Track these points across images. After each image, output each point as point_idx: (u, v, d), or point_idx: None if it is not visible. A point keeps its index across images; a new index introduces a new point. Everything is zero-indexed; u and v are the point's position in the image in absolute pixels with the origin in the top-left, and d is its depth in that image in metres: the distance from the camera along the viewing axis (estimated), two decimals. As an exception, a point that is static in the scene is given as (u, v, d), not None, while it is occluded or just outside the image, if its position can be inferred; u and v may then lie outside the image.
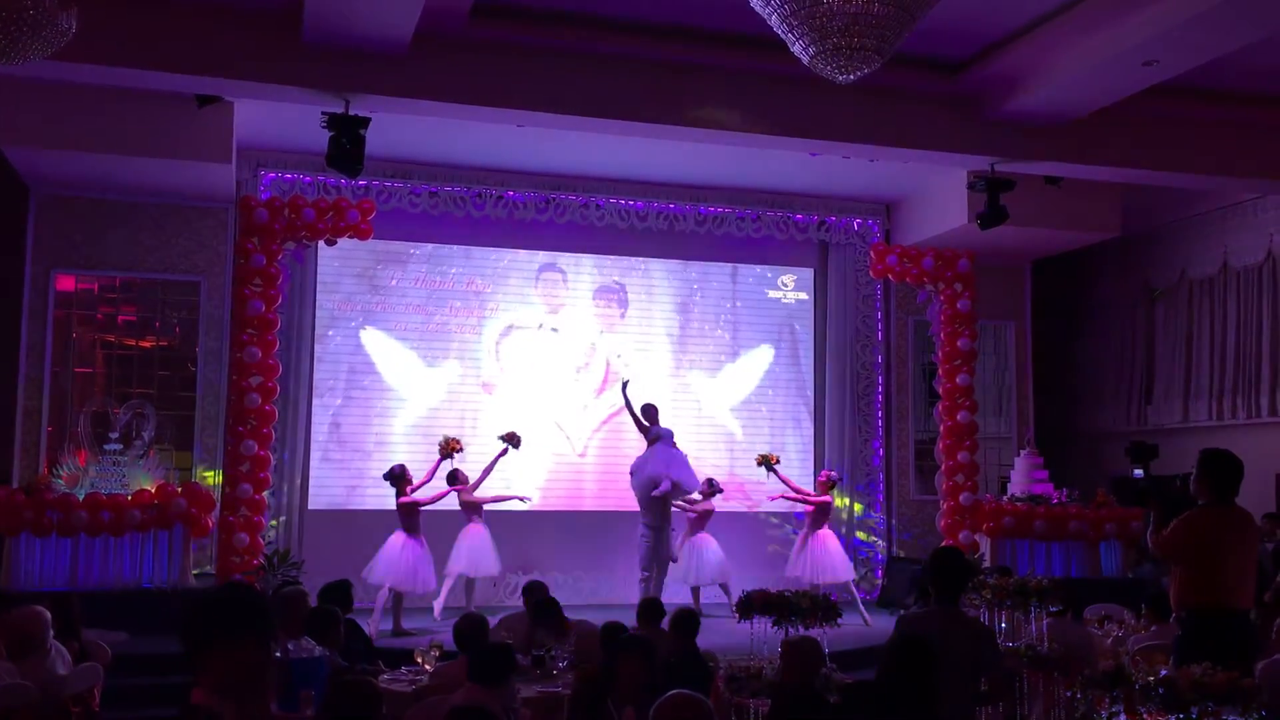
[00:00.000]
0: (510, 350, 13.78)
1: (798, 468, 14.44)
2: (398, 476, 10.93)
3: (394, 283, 13.46)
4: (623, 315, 14.25)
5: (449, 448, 11.53)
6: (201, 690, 2.64)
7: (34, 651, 6.19)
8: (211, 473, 12.09)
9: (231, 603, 2.74)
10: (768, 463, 12.40)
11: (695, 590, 12.15)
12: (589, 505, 13.76)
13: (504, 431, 11.91)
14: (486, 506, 11.63)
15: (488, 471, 11.61)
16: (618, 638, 6.00)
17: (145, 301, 12.45)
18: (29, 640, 6.21)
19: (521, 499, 12.16)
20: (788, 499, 12.32)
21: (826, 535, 12.00)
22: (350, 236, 11.58)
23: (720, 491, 12.46)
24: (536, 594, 8.06)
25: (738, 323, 14.61)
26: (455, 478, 11.46)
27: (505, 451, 11.74)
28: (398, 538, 10.80)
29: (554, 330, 13.97)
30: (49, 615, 6.38)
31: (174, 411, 12.30)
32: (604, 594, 13.26)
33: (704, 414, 14.33)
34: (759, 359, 14.64)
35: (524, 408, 13.61)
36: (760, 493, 13.53)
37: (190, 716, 2.59)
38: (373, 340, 13.35)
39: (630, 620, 7.63)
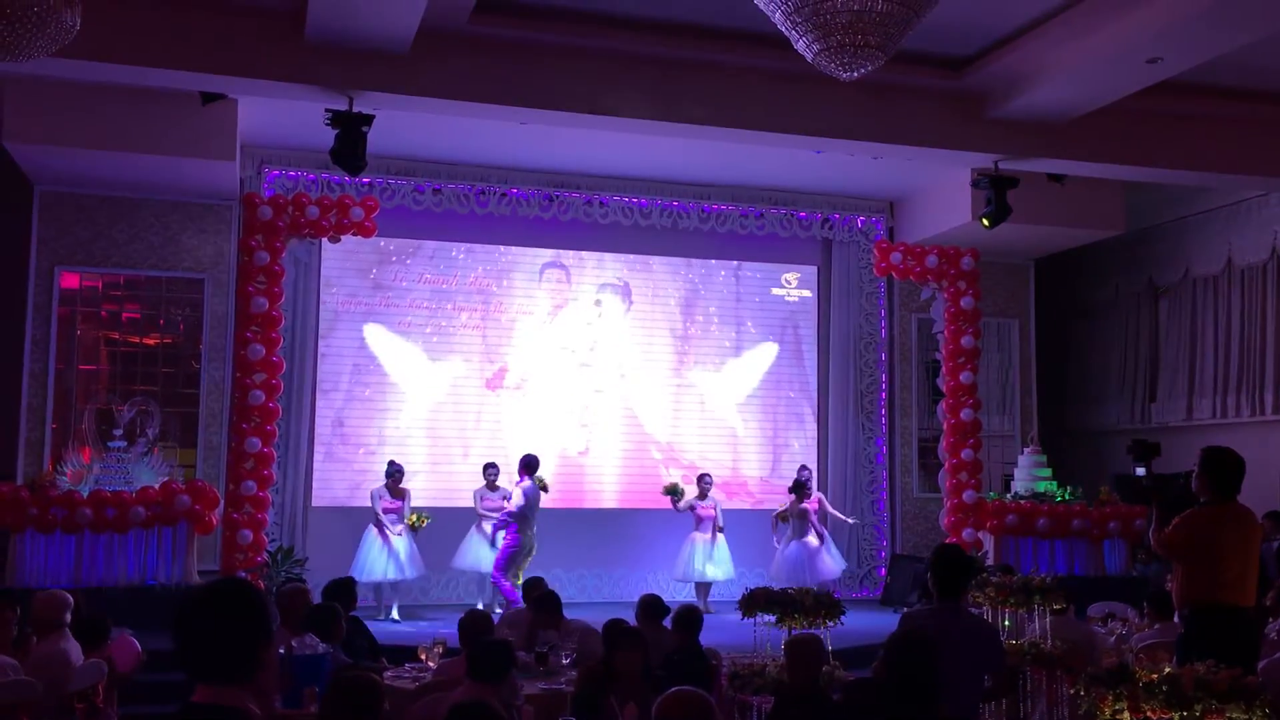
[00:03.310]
0: (513, 348, 13.78)
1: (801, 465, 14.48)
2: (397, 472, 11.55)
3: (398, 280, 13.47)
4: (626, 312, 14.25)
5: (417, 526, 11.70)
6: (242, 690, 2.63)
7: (52, 632, 6.36)
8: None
9: (263, 597, 2.77)
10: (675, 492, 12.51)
11: (701, 588, 12.26)
12: (590, 503, 13.77)
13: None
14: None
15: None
16: (614, 632, 6.02)
17: (149, 298, 12.47)
18: (48, 622, 6.37)
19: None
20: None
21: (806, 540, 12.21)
22: (354, 234, 11.56)
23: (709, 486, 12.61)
24: (536, 589, 8.08)
25: (741, 320, 14.61)
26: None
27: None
28: (375, 532, 11.42)
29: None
30: (70, 599, 6.54)
31: (178, 409, 12.32)
32: (606, 591, 13.28)
33: (707, 412, 14.33)
34: (762, 357, 14.64)
35: (526, 405, 13.63)
36: (760, 488, 13.58)
37: (214, 717, 2.58)
38: (376, 337, 13.36)
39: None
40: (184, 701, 2.65)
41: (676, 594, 12.51)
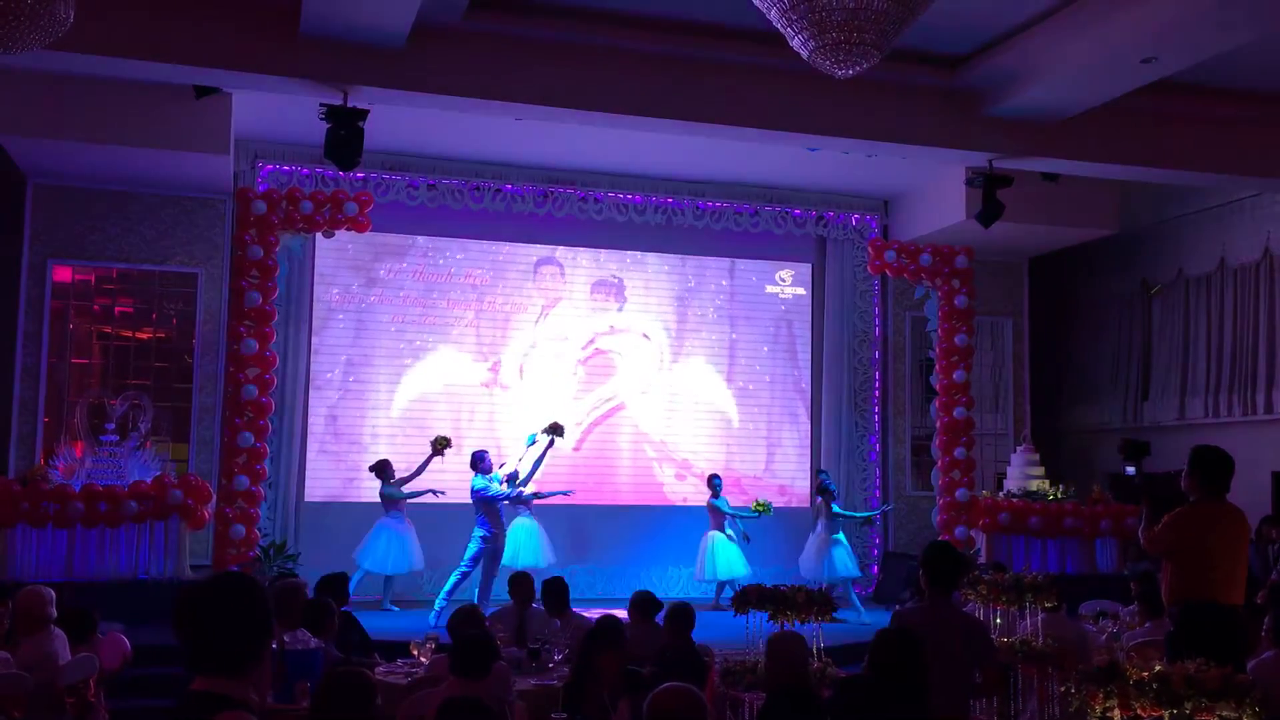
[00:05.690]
0: (507, 344, 13.77)
1: (794, 462, 14.50)
2: (381, 468, 11.62)
3: (391, 275, 13.46)
4: (620, 309, 14.25)
5: (439, 446, 11.59)
6: (240, 683, 2.63)
7: (38, 629, 6.35)
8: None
9: (265, 592, 2.77)
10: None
11: (719, 586, 12.35)
12: (583, 499, 13.73)
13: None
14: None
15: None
16: (594, 631, 6.04)
17: (142, 293, 12.44)
18: (33, 618, 6.37)
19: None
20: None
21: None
22: (348, 229, 11.58)
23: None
24: (521, 581, 8.16)
25: (735, 318, 14.61)
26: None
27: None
28: (385, 523, 11.54)
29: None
30: (52, 594, 6.53)
31: (171, 403, 12.30)
32: (599, 589, 13.27)
33: (701, 409, 14.33)
34: (756, 354, 14.64)
35: (520, 401, 13.62)
36: (754, 486, 13.59)
37: (213, 705, 2.58)
38: (370, 333, 13.34)
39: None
40: (182, 691, 2.65)
41: (670, 590, 12.55)
